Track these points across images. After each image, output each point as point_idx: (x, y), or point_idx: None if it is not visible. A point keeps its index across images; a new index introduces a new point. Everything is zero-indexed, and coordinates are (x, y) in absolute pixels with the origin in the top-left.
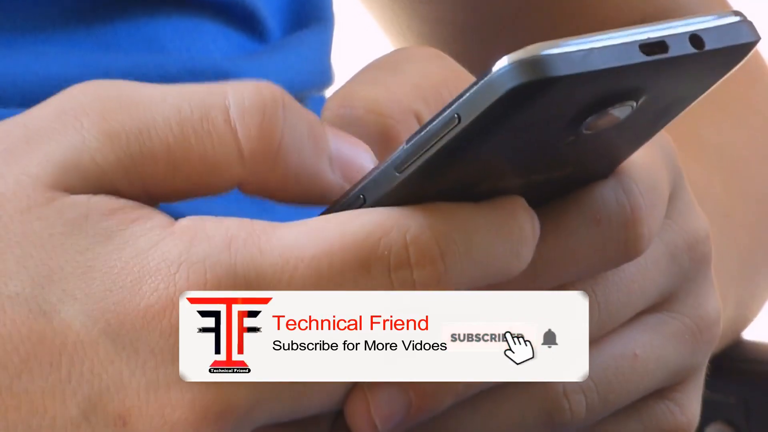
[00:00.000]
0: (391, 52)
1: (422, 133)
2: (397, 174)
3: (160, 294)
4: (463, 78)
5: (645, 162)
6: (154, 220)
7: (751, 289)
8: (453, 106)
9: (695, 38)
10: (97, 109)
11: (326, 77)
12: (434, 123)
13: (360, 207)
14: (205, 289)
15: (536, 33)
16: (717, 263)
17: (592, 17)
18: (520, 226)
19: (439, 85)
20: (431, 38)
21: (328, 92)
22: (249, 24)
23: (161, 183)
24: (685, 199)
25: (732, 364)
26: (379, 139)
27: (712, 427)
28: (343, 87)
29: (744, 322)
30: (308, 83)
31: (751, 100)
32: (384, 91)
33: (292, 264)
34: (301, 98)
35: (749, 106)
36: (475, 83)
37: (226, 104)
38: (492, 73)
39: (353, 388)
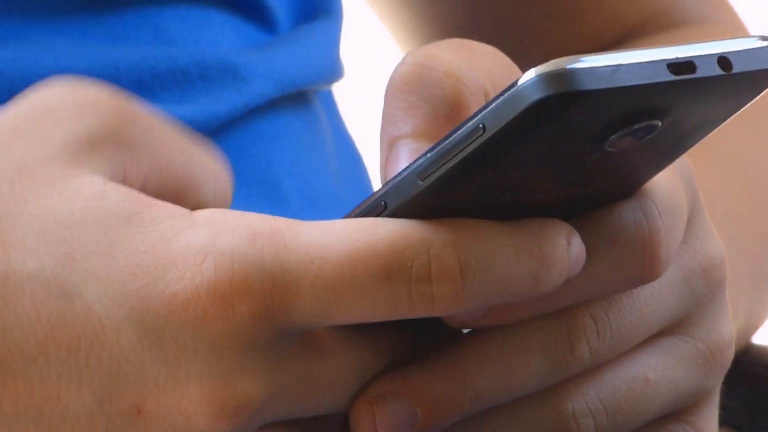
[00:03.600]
0: (460, 39)
1: (446, 142)
2: (420, 182)
3: (185, 283)
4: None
5: (665, 184)
6: (170, 207)
7: (761, 297)
8: (478, 117)
9: (723, 60)
10: (112, 95)
11: (335, 71)
12: (458, 132)
13: (381, 213)
14: (232, 280)
15: (539, 32)
16: (727, 272)
17: (594, 17)
18: (543, 251)
19: (503, 75)
20: (435, 36)
21: (336, 87)
22: (258, 15)
23: (159, 180)
24: (702, 223)
25: (738, 368)
26: (451, 103)
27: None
28: (423, 48)
29: (753, 329)
30: (317, 76)
31: (761, 105)
32: (463, 61)
33: (317, 264)
34: (309, 92)
35: (759, 111)
36: (500, 94)
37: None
38: (518, 84)
39: (360, 397)
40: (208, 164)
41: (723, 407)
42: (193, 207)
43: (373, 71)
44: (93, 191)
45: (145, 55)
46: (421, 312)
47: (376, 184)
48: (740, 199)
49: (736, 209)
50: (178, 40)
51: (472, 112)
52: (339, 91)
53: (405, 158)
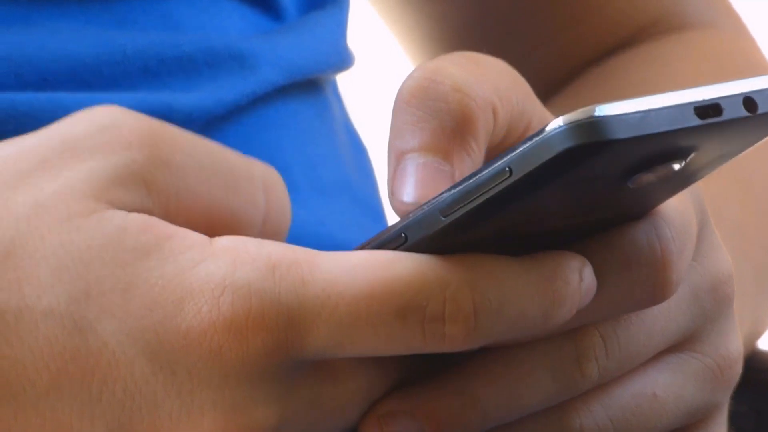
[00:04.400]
0: (467, 52)
1: (471, 180)
2: (443, 218)
3: (203, 317)
4: (527, 90)
5: (677, 204)
6: (190, 237)
7: (767, 304)
8: (504, 159)
9: (749, 101)
10: (146, 132)
11: (344, 59)
12: (484, 173)
13: (401, 246)
14: (249, 315)
15: (544, 34)
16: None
17: (598, 20)
18: (556, 289)
19: (510, 90)
20: (438, 37)
21: (345, 75)
22: (265, 3)
23: (187, 224)
24: (710, 240)
25: (744, 373)
26: (459, 117)
27: None
28: (430, 62)
29: (759, 335)
30: (324, 64)
31: None
32: (470, 75)
33: (333, 301)
34: (317, 80)
35: None
36: (528, 139)
37: (263, 174)
38: (546, 131)
39: (368, 416)
40: (255, 202)
41: (729, 412)
42: None
43: (377, 66)
44: (112, 227)
45: (152, 41)
46: (431, 348)
47: (381, 180)
48: (745, 207)
49: (740, 218)
50: (185, 27)
51: (479, 127)
52: (342, 83)
53: (412, 173)
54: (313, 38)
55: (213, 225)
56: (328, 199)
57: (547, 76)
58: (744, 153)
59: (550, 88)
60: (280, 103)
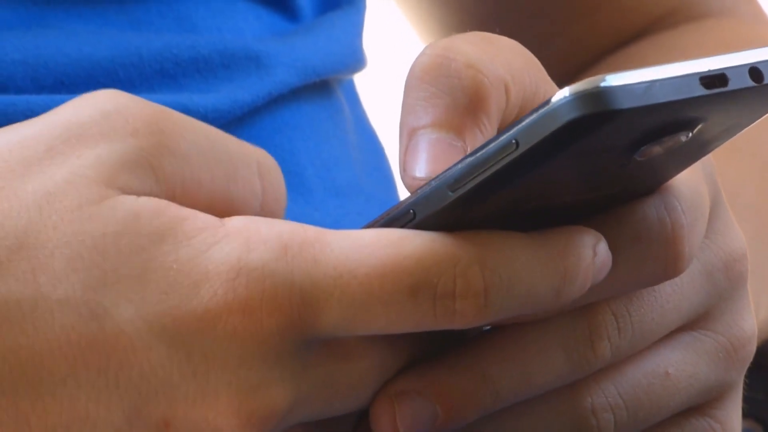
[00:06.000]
0: (480, 32)
1: (478, 154)
2: (450, 193)
3: (218, 299)
4: (541, 71)
5: (688, 180)
6: (202, 219)
7: None
8: (511, 132)
9: (755, 71)
10: (151, 119)
11: (358, 60)
12: (491, 146)
13: (410, 221)
14: (263, 296)
15: (560, 24)
16: (749, 266)
17: (615, 9)
18: (567, 265)
19: (523, 70)
20: (456, 29)
21: (359, 77)
22: (281, 4)
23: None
24: (723, 217)
25: (761, 360)
26: (471, 93)
27: (741, 424)
28: (444, 39)
29: None
30: (339, 65)
31: None
32: (484, 53)
33: (345, 279)
34: (331, 81)
35: None
36: (534, 111)
37: (259, 160)
38: (552, 102)
39: (380, 395)
40: (252, 189)
41: (746, 399)
42: None
43: (394, 63)
44: (125, 212)
45: (167, 43)
46: (442, 325)
47: (398, 174)
48: (761, 191)
49: (757, 201)
50: (201, 28)
51: (492, 103)
52: (360, 82)
53: (424, 149)
54: (328, 39)
55: (215, 212)
56: (343, 201)
57: (564, 65)
58: (760, 136)
59: (567, 77)
60: (294, 104)
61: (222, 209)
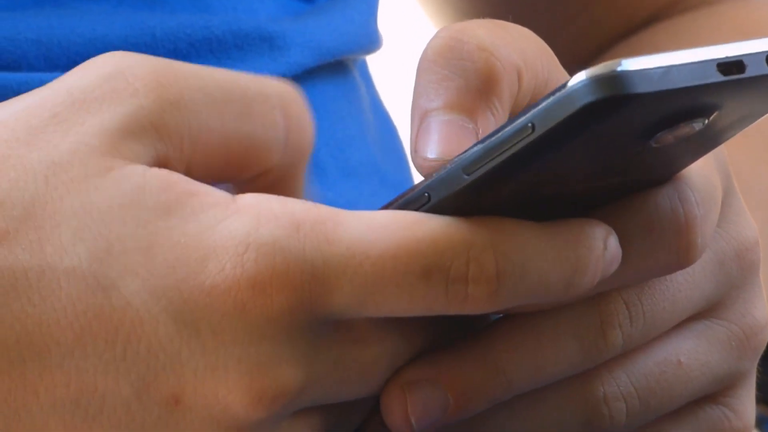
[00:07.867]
0: (494, 19)
1: (494, 137)
2: (465, 176)
3: (226, 274)
4: (553, 58)
5: (701, 169)
6: (213, 194)
7: None
8: (527, 115)
9: None
10: (150, 75)
11: (373, 40)
12: (507, 129)
13: (424, 204)
14: (273, 272)
15: (571, 13)
16: (762, 255)
17: None
18: (579, 257)
19: (536, 56)
20: (467, 13)
21: (371, 60)
22: None
23: (206, 160)
24: (735, 206)
25: None
26: (484, 76)
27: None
28: (457, 24)
29: None
30: (354, 45)
31: None
32: (496, 37)
33: (358, 260)
34: (346, 61)
35: None
36: (551, 94)
37: (278, 92)
38: (569, 86)
39: (391, 383)
40: (272, 123)
41: (759, 385)
42: (259, 173)
43: (407, 47)
44: (132, 184)
45: (181, 23)
46: (454, 310)
47: (410, 157)
48: None
49: None
50: (215, 8)
51: (504, 87)
52: (373, 65)
53: (436, 130)
54: (343, 20)
55: (232, 155)
56: (357, 181)
57: (576, 51)
58: None
59: (580, 63)
60: (308, 84)
61: (241, 150)
